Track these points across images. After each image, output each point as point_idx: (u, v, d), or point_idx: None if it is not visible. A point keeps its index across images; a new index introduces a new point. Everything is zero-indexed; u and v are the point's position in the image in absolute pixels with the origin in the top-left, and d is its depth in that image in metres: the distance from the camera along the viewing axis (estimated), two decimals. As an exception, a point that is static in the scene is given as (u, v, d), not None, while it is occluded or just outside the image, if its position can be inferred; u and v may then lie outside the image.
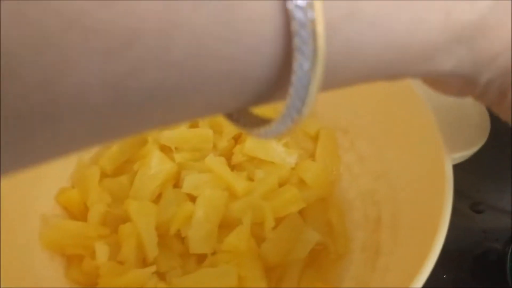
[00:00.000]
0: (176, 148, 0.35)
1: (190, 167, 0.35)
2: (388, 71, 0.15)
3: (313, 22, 0.12)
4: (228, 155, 0.36)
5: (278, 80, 0.13)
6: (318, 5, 0.12)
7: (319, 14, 0.12)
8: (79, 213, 0.34)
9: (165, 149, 0.35)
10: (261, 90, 0.13)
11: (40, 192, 0.33)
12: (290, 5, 0.12)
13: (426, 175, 0.28)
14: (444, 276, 0.36)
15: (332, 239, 0.34)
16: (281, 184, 0.35)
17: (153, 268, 0.30)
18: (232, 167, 0.35)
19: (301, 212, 0.34)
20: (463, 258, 0.37)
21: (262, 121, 0.15)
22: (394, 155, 0.32)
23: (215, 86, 0.12)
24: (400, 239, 0.29)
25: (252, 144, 0.35)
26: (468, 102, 0.28)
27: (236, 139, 0.37)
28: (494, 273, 0.36)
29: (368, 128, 0.35)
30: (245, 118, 0.15)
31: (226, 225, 0.32)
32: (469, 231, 0.38)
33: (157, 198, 0.34)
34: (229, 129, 0.37)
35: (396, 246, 0.30)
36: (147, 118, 0.13)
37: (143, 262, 0.32)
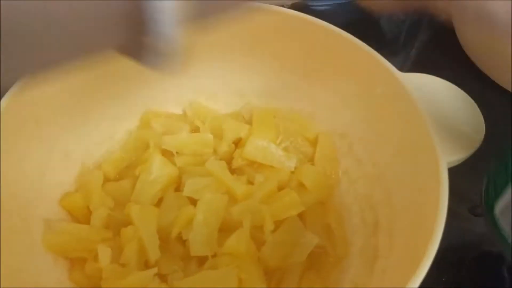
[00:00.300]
0: (177, 153, 0.36)
1: (191, 171, 0.35)
2: None
3: None
4: (228, 160, 0.37)
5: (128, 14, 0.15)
6: None
7: None
8: (82, 217, 0.34)
9: (167, 154, 0.36)
10: (117, 28, 0.15)
11: (44, 196, 0.33)
12: None
13: (421, 179, 0.28)
14: (444, 278, 0.36)
15: (331, 243, 0.34)
16: (280, 188, 0.35)
17: (154, 271, 0.30)
18: (232, 171, 0.36)
19: (300, 216, 0.34)
20: (462, 261, 0.37)
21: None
22: (390, 159, 0.32)
23: (66, 27, 0.14)
24: (397, 242, 0.30)
25: (252, 149, 0.36)
26: (463, 106, 0.28)
27: (236, 144, 0.38)
28: (492, 276, 0.36)
29: (365, 133, 0.35)
30: (139, 52, 0.17)
31: (226, 228, 0.32)
32: (468, 234, 0.38)
33: (159, 202, 0.34)
34: (230, 134, 0.37)
35: (393, 249, 0.30)
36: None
37: (145, 265, 0.32)
